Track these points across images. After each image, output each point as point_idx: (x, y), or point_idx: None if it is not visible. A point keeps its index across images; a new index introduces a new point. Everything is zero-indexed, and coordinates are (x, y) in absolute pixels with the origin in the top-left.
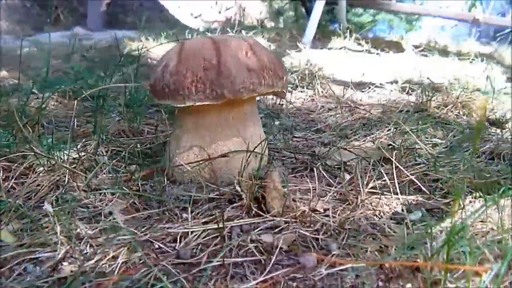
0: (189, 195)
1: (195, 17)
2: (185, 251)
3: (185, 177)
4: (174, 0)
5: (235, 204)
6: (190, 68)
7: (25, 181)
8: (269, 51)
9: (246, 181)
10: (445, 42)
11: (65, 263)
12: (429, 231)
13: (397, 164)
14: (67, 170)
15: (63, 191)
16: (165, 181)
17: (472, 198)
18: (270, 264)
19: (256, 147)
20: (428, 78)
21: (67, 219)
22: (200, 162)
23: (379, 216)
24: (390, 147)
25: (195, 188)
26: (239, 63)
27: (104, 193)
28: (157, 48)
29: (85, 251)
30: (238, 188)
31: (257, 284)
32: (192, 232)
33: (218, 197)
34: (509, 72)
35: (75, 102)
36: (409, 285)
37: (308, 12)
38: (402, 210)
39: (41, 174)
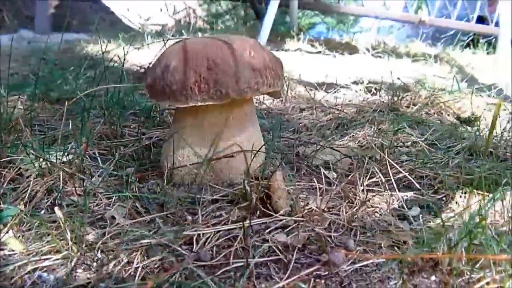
0: (192, 196)
1: (145, 20)
2: (205, 253)
3: (185, 178)
4: (121, 1)
5: (240, 205)
6: (193, 68)
7: (17, 187)
8: (269, 50)
9: (252, 182)
10: (393, 44)
11: (79, 270)
12: (443, 225)
13: (392, 162)
14: (61, 174)
15: (58, 196)
16: (165, 183)
17: (461, 193)
18: (292, 263)
19: (261, 147)
20: (398, 78)
21: (78, 224)
22: (203, 162)
23: (380, 213)
24: (378, 146)
25: (196, 190)
26: (244, 63)
27: (105, 197)
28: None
29: (97, 257)
30: (248, 188)
31: (285, 283)
32: (203, 234)
33: (221, 198)
34: (461, 72)
35: (66, 104)
36: (433, 277)
37: (258, 14)
38: (402, 206)
39: (31, 179)
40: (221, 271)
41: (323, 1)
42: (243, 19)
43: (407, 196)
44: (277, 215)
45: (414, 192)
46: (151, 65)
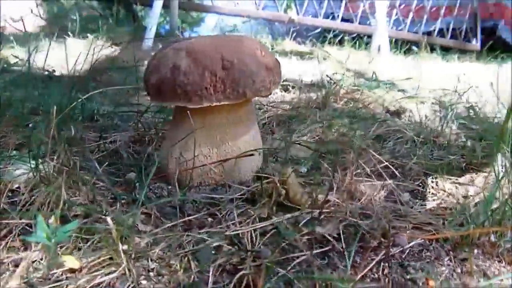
0: (209, 197)
1: (15, 21)
2: (266, 250)
3: (195, 180)
4: None
5: (261, 202)
6: (208, 68)
7: (15, 200)
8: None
9: (272, 179)
10: (267, 42)
11: (143, 282)
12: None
13: (376, 155)
14: (63, 184)
15: (65, 207)
16: (177, 186)
17: (432, 179)
18: (345, 251)
19: (276, 148)
20: (327, 75)
21: (126, 234)
22: (220, 162)
23: (378, 200)
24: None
25: (208, 191)
26: (259, 62)
27: (108, 204)
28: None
29: (151, 266)
30: (278, 185)
31: (354, 270)
32: (247, 232)
33: (238, 197)
34: (349, 69)
35: (54, 110)
36: (475, 250)
37: (134, 16)
38: (392, 193)
39: (25, 191)
40: (291, 265)
41: (199, 1)
42: (116, 22)
43: (390, 184)
44: (303, 209)
45: (393, 180)
46: (150, 66)
